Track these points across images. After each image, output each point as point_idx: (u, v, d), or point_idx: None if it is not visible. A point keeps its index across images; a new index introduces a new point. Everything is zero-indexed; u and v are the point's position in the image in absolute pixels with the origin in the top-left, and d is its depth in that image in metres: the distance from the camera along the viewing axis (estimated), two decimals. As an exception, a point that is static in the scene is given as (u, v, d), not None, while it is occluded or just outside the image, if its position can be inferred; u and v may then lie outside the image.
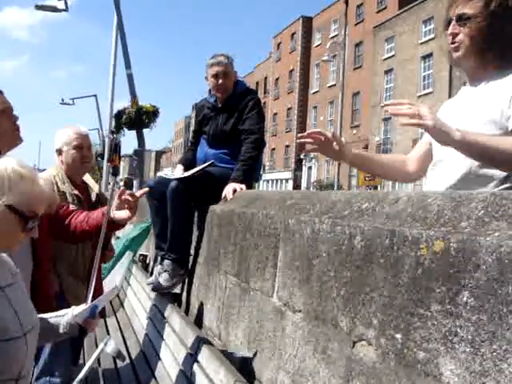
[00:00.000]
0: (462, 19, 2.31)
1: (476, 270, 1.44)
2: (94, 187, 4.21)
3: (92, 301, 2.50)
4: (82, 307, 2.33)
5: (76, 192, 3.74)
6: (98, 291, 2.89)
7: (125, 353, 4.94)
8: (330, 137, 2.56)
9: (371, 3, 46.76)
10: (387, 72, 42.60)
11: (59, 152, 3.88)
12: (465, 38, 2.31)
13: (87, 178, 4.20)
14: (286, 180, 57.79)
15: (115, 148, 3.06)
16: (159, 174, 4.79)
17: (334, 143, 2.57)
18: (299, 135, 2.62)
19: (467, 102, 2.37)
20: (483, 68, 2.35)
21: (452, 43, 2.36)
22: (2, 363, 1.74)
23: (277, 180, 59.67)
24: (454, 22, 2.34)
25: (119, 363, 4.81)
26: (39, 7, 19.84)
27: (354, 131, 46.82)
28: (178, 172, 4.55)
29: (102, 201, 4.07)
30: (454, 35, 2.33)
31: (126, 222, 3.04)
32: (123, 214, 2.95)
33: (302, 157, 54.47)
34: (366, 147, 43.92)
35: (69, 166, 3.84)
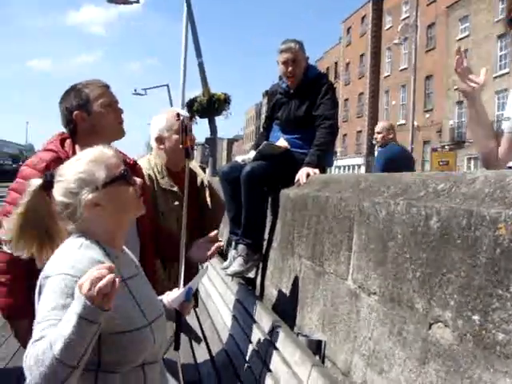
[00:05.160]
0: None
1: (557, 249, 1.41)
2: (200, 173, 4.00)
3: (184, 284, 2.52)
4: (176, 292, 2.33)
5: (175, 189, 3.57)
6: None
7: (200, 335, 5.05)
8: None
9: (444, -18, 45.57)
10: (461, 53, 41.49)
11: (160, 140, 3.65)
12: None
13: (192, 163, 3.83)
14: (358, 166, 57.20)
15: (185, 130, 3.05)
16: (235, 159, 4.78)
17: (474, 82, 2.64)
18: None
19: None
20: None
21: None
22: (128, 352, 1.81)
23: (349, 166, 59.13)
24: None
25: (195, 345, 4.92)
26: (111, 0, 20.23)
27: (427, 115, 45.89)
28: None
29: (210, 189, 3.94)
30: None
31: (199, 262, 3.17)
32: (199, 256, 3.02)
33: (374, 142, 53.79)
34: (440, 131, 43.00)
35: (174, 153, 3.56)
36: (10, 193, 2.67)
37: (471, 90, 2.64)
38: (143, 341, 1.85)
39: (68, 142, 2.79)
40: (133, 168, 2.95)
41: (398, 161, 7.01)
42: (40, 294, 1.75)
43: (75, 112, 2.76)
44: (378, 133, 7.59)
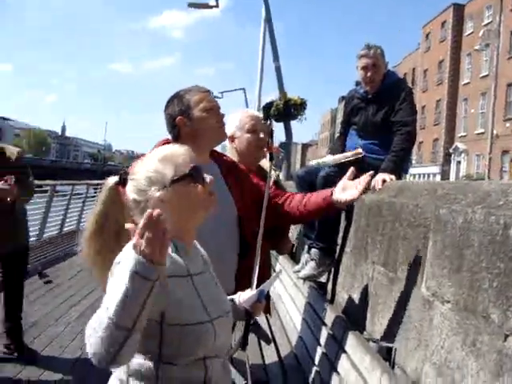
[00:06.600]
0: None
1: None
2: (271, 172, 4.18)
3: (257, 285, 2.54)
4: (249, 292, 2.35)
5: None
6: (265, 275, 3.00)
7: (270, 336, 5.10)
8: None
9: (530, -14, 44.09)
10: (546, 61, 40.14)
11: (232, 138, 3.80)
12: None
13: (263, 163, 4.09)
14: (434, 175, 56.07)
15: (271, 134, 3.14)
16: (310, 163, 4.82)
17: None
18: None
19: None
20: None
21: None
22: (186, 345, 1.85)
23: (424, 174, 58.01)
24: None
25: (264, 346, 4.97)
26: (192, 4, 20.75)
27: (507, 124, 44.54)
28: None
29: (279, 186, 4.04)
30: None
31: (346, 204, 3.02)
32: (348, 195, 2.94)
33: (450, 151, 52.73)
34: (520, 141, 41.70)
35: (244, 153, 3.76)
36: None
37: None
38: (203, 335, 1.87)
39: None
40: (232, 166, 3.13)
41: None
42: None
43: (178, 118, 2.92)
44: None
